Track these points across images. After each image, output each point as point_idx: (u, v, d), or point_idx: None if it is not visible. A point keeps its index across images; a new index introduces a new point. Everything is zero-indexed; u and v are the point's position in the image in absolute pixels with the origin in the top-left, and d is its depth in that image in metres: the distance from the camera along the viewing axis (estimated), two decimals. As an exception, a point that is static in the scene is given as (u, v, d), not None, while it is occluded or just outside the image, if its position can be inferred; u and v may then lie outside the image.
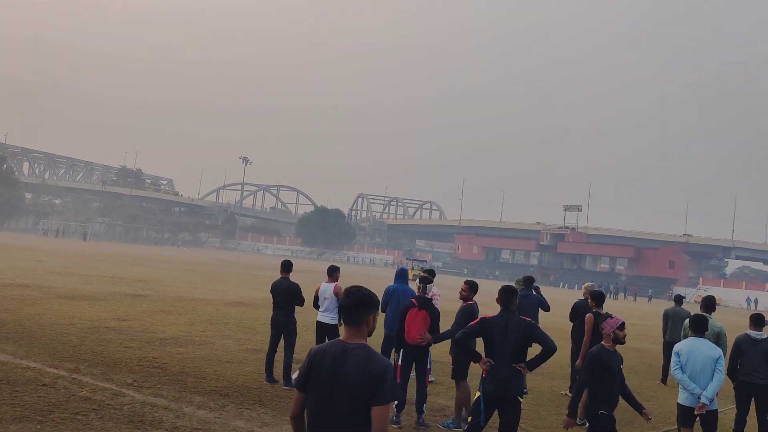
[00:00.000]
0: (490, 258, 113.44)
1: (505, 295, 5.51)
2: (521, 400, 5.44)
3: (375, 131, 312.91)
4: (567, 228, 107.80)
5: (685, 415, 6.36)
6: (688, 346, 6.37)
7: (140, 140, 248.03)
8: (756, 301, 71.88)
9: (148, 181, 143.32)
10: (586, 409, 5.74)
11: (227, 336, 12.29)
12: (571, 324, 9.85)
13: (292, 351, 8.83)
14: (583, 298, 10.23)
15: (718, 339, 8.38)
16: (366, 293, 3.23)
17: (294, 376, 8.74)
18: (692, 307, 15.65)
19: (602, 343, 5.54)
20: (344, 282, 9.63)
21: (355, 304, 3.19)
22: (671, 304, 12.73)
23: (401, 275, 9.09)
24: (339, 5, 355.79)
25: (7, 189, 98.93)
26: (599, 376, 5.37)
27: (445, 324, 7.75)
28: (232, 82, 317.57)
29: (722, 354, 6.38)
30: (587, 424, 8.23)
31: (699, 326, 6.49)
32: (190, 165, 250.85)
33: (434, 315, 7.47)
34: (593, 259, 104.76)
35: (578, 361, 8.43)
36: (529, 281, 11.58)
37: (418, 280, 7.87)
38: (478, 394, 5.44)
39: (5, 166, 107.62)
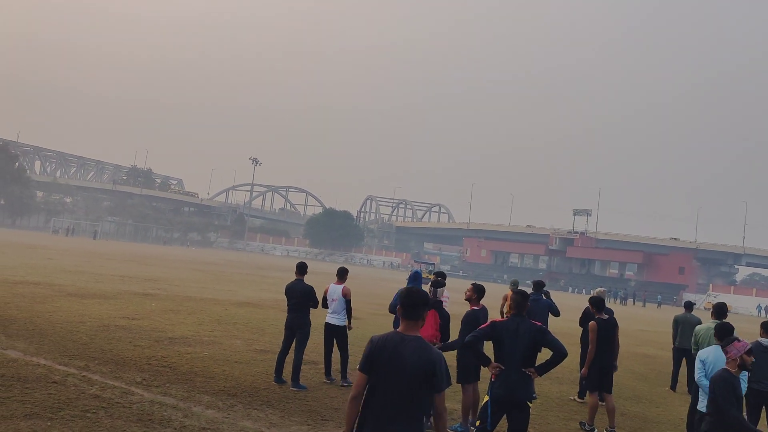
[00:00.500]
0: (498, 262, 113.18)
1: (520, 299, 5.50)
2: (530, 405, 5.41)
3: (384, 134, 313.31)
4: (576, 232, 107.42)
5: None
6: (714, 355, 6.29)
7: (151, 140, 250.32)
8: (767, 309, 71.33)
9: (158, 180, 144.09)
10: None
11: (235, 336, 12.32)
12: (581, 329, 9.80)
13: (302, 353, 8.83)
14: None
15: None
16: (423, 293, 3.73)
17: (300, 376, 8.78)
18: (702, 314, 15.58)
19: (726, 367, 5.21)
20: (349, 283, 9.66)
21: (415, 302, 3.63)
22: (681, 311, 12.65)
23: (415, 278, 9.07)
24: (350, 8, 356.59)
25: (18, 187, 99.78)
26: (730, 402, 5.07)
27: (453, 327, 7.73)
28: (241, 84, 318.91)
29: None
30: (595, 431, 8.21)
31: (723, 334, 6.42)
32: (200, 165, 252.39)
33: (444, 316, 7.46)
34: (602, 264, 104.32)
35: (583, 370, 8.37)
36: (539, 286, 11.51)
37: (430, 283, 7.85)
38: (486, 398, 5.42)
39: (17, 164, 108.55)
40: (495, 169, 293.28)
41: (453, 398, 9.02)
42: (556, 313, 11.13)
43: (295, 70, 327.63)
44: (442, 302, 7.74)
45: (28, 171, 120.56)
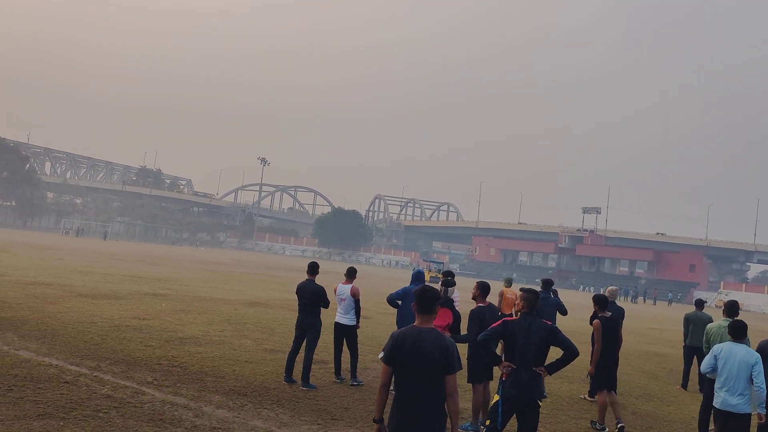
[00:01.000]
0: (507, 260, 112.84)
1: (532, 298, 5.49)
2: (540, 404, 5.40)
3: (391, 133, 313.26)
4: (585, 230, 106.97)
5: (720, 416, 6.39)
6: (727, 350, 6.31)
7: (160, 142, 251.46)
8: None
9: (168, 181, 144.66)
10: None
11: (245, 336, 12.36)
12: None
13: (312, 352, 8.85)
14: None
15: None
16: (436, 291, 4.27)
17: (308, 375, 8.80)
18: (713, 312, 15.48)
19: None
20: (358, 283, 9.66)
21: (430, 298, 4.17)
22: (691, 309, 12.59)
23: (418, 277, 9.10)
24: (350, 8, 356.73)
25: (29, 188, 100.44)
26: None
27: (463, 326, 7.73)
28: (245, 84, 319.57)
29: (759, 359, 6.23)
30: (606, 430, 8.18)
31: (737, 331, 6.45)
32: (209, 166, 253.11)
33: (455, 315, 7.49)
34: (612, 262, 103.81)
35: (590, 368, 8.34)
36: (547, 284, 11.53)
37: (440, 283, 7.86)
38: (496, 397, 5.41)
39: (28, 166, 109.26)
40: (504, 168, 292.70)
41: (463, 397, 9.00)
42: (564, 312, 11.18)
43: (297, 70, 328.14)
44: (453, 301, 7.75)
45: (39, 172, 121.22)
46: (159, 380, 8.05)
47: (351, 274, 9.27)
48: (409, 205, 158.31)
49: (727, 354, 6.26)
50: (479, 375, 7.57)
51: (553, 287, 11.86)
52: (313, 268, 9.12)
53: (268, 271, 41.45)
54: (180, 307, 15.69)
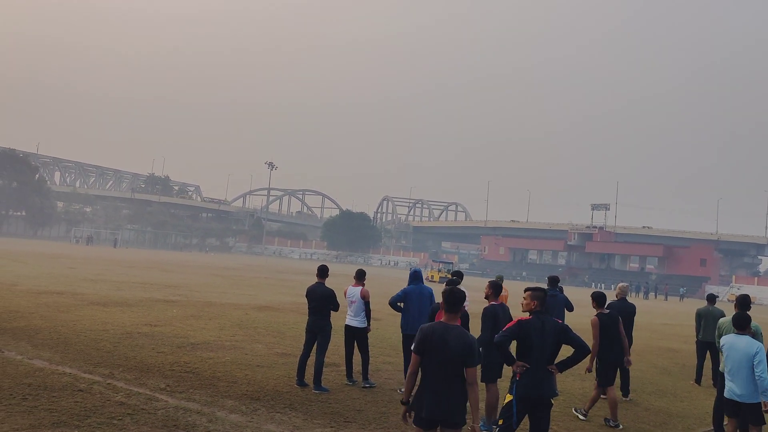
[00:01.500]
0: (517, 259, 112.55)
1: (543, 296, 5.53)
2: (552, 402, 5.43)
3: (395, 133, 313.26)
4: (595, 227, 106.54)
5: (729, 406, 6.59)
6: (730, 343, 6.53)
7: (167, 147, 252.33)
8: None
9: (176, 188, 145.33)
10: None
11: (257, 340, 12.39)
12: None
13: (323, 355, 8.86)
14: (616, 299, 10.13)
15: (755, 338, 8.26)
16: (462, 292, 4.83)
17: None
18: (725, 306, 15.38)
19: None
20: (368, 285, 9.68)
21: (457, 299, 4.71)
22: (703, 303, 12.52)
23: (415, 276, 9.13)
24: (349, 8, 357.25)
25: (39, 198, 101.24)
26: None
27: (472, 326, 7.72)
28: (250, 85, 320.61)
29: (761, 347, 6.36)
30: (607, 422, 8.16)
31: (739, 323, 6.59)
32: (217, 172, 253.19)
33: (464, 315, 7.49)
34: (622, 259, 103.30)
35: (588, 365, 8.34)
36: (554, 281, 11.63)
37: (446, 283, 7.88)
38: (509, 397, 5.42)
39: (37, 175, 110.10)
40: (512, 167, 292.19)
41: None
42: (570, 308, 11.38)
43: (299, 71, 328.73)
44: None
45: (48, 182, 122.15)
46: (172, 386, 8.09)
47: (360, 276, 9.29)
48: (417, 205, 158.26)
49: (731, 345, 6.49)
50: (493, 374, 7.61)
51: (560, 284, 11.94)
52: (323, 271, 9.13)
53: (277, 275, 41.54)
54: (191, 313, 15.75)
